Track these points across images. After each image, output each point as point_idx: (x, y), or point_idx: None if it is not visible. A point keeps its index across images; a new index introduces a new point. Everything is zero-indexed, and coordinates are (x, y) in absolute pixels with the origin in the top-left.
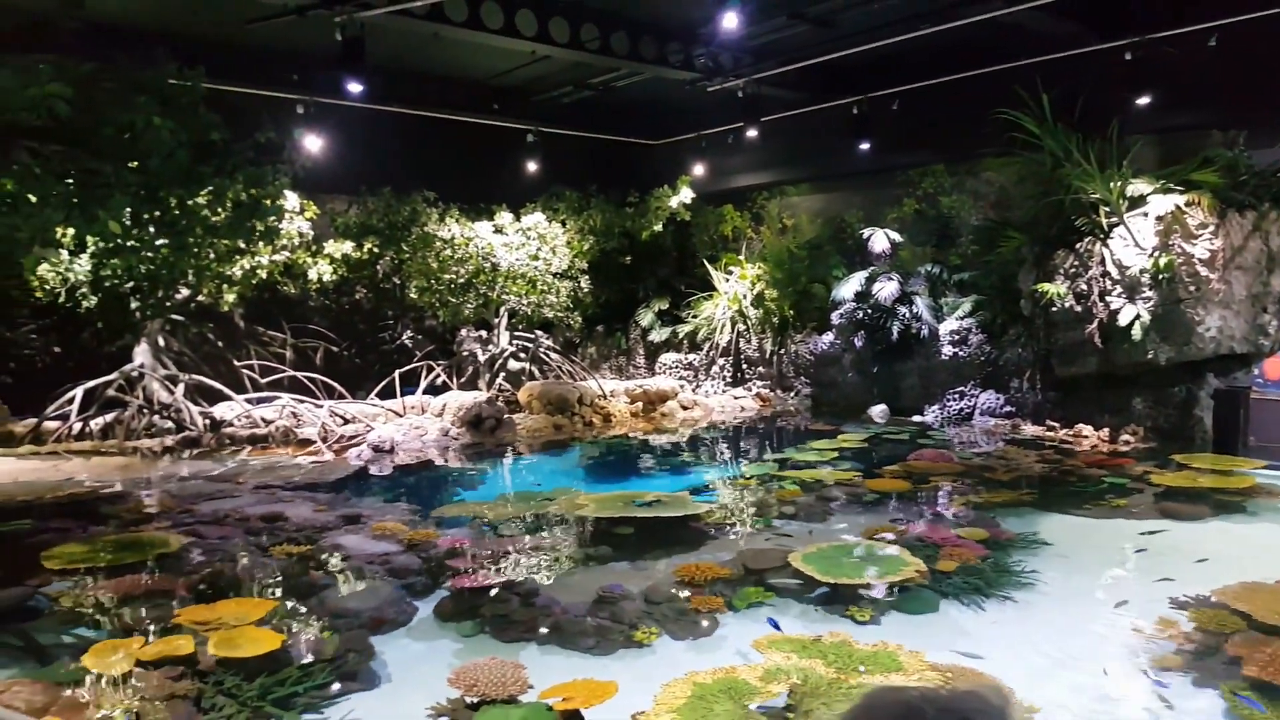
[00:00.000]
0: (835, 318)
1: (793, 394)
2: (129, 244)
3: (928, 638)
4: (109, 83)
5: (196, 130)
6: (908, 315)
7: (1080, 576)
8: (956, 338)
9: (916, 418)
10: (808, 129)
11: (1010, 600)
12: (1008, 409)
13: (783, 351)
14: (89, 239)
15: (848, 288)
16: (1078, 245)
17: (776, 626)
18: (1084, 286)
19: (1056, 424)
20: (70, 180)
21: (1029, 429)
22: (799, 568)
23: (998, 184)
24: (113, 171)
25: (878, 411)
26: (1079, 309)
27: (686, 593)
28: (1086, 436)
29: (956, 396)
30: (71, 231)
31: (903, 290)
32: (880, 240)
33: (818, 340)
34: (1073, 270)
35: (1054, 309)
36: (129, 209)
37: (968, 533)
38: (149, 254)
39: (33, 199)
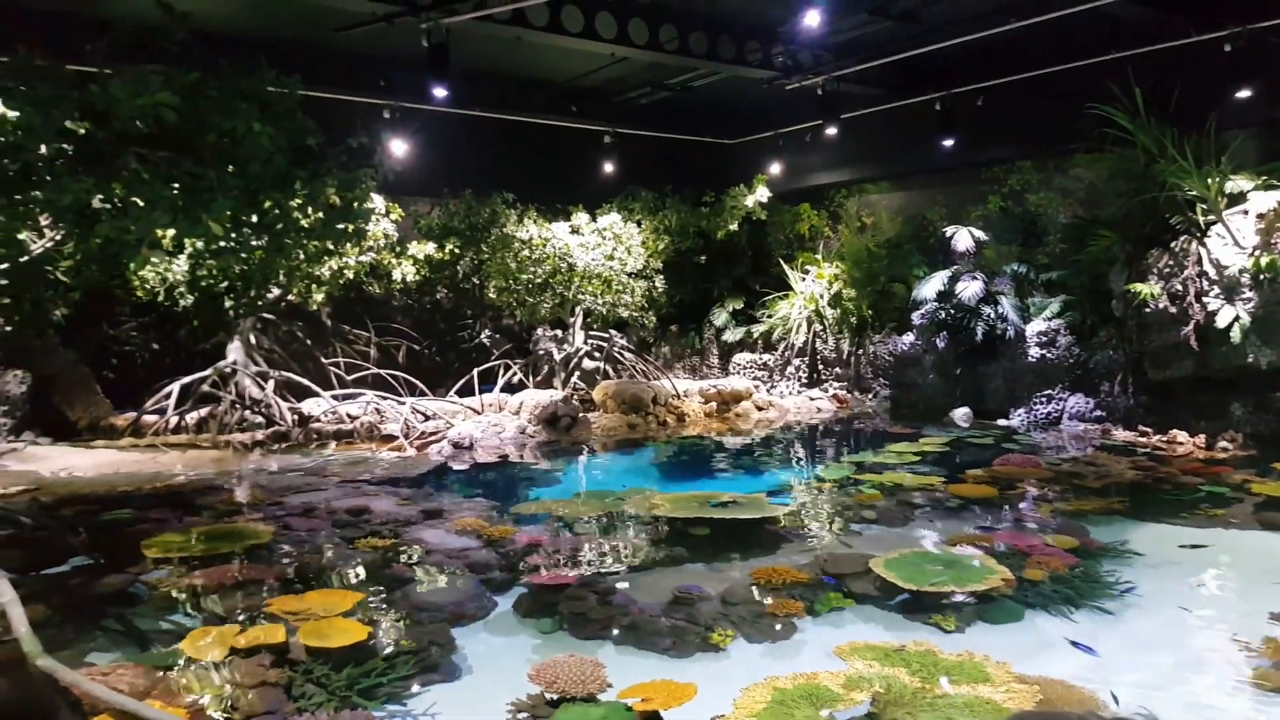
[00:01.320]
0: (916, 318)
1: (871, 395)
2: (229, 245)
3: (1015, 648)
4: (213, 90)
5: (293, 136)
6: (992, 315)
7: (1176, 588)
8: (1044, 339)
9: (1001, 421)
10: (888, 125)
11: (1102, 611)
12: (1098, 413)
13: (861, 352)
14: (187, 240)
15: (930, 287)
16: (1172, 244)
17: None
18: (1179, 287)
19: (1149, 429)
20: (175, 185)
21: (1120, 434)
22: (880, 574)
23: (1087, 180)
24: (215, 176)
25: (960, 415)
26: (1174, 310)
27: (769, 599)
28: (1181, 443)
29: (1044, 400)
30: (170, 233)
31: (987, 290)
32: (964, 238)
33: (897, 341)
34: (1167, 270)
35: (1147, 310)
36: (229, 212)
37: (1056, 541)
38: (246, 255)
39: (140, 203)
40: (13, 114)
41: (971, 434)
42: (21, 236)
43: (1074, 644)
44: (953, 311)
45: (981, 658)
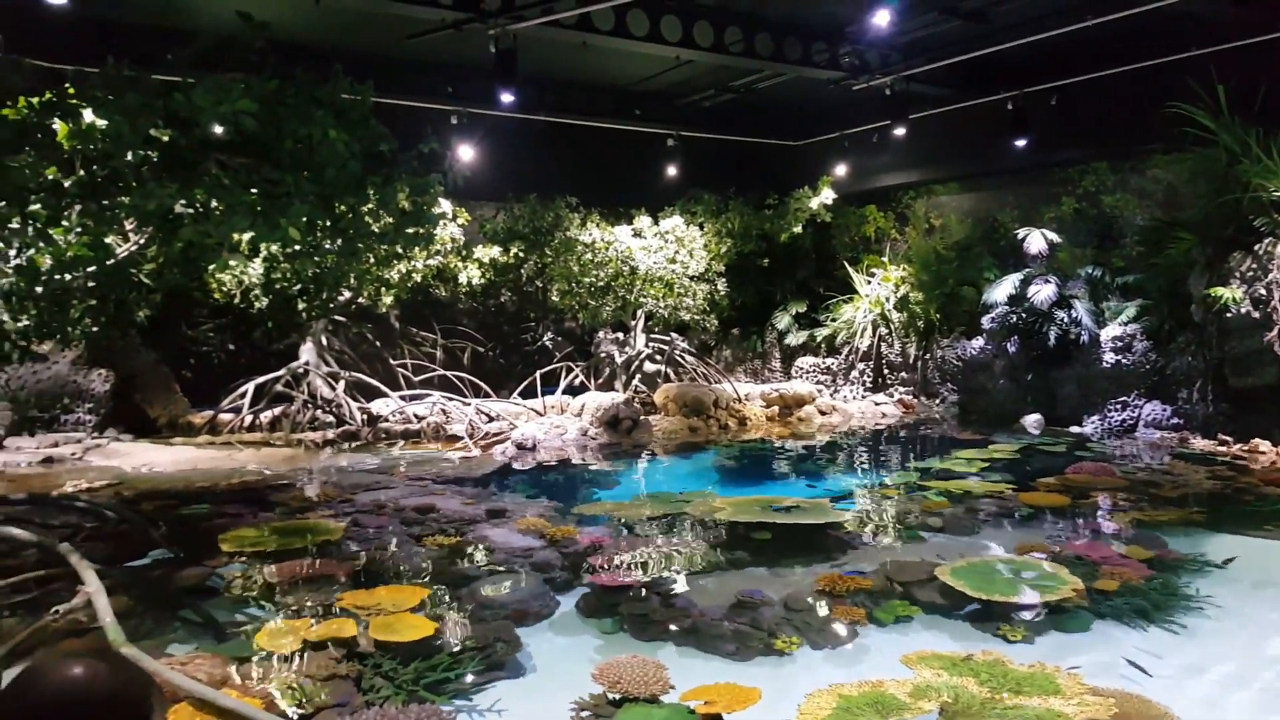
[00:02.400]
0: (986, 322)
1: (938, 401)
2: (304, 249)
3: (1086, 661)
4: (290, 98)
5: (367, 142)
6: (1066, 320)
7: (1257, 603)
8: (1119, 344)
9: (1074, 429)
10: (958, 126)
11: (1178, 625)
12: (1175, 421)
13: (928, 356)
14: (262, 244)
15: (1000, 290)
16: (1256, 247)
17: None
18: (1263, 291)
19: (1229, 438)
20: (254, 190)
21: (1198, 443)
22: (947, 582)
23: (1166, 182)
24: (292, 181)
25: (1031, 421)
26: (1257, 315)
27: (833, 605)
28: (1264, 452)
29: (1119, 407)
30: (247, 237)
31: (1060, 293)
32: (1036, 241)
33: (966, 345)
34: (1250, 274)
35: (1228, 315)
36: (305, 217)
37: (1130, 551)
38: (320, 258)
39: (221, 208)
40: (102, 123)
41: (1043, 441)
42: (108, 240)
43: (1130, 662)
44: (1024, 315)
45: (1052, 669)
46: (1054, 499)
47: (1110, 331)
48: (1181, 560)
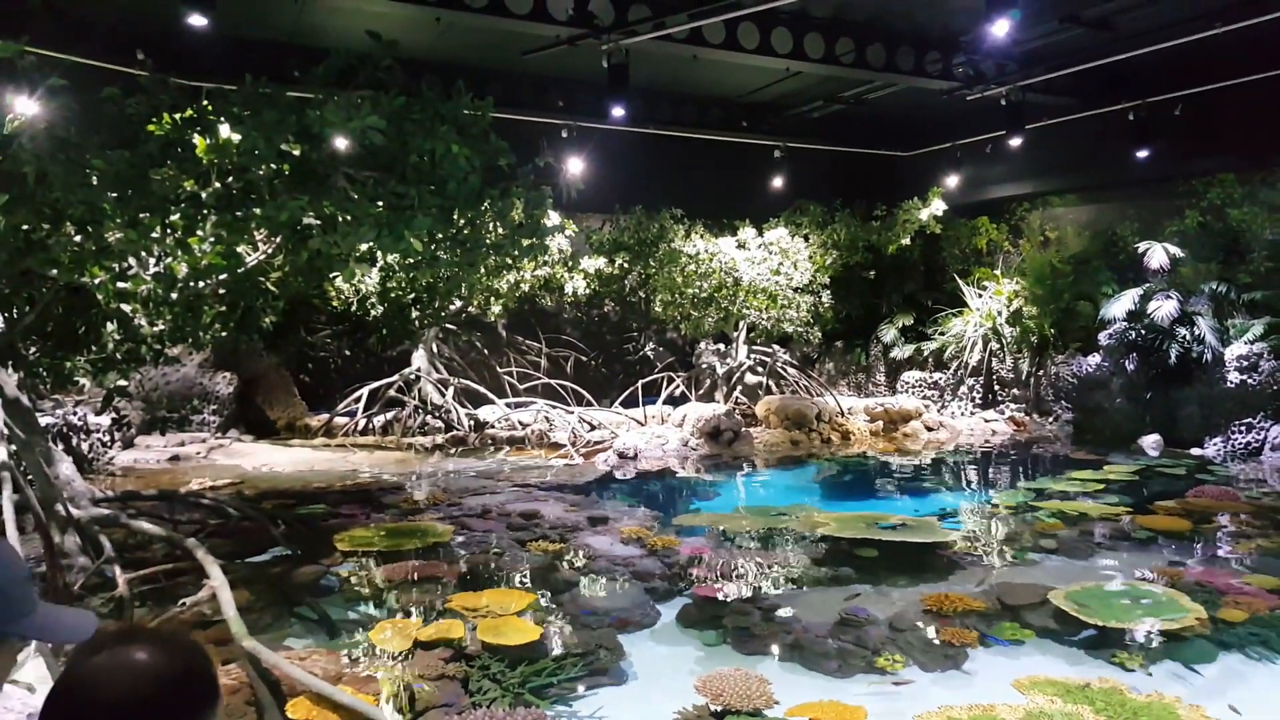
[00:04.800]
0: (1103, 338)
1: (1051, 419)
2: (424, 259)
3: (1208, 692)
4: (415, 114)
5: (487, 156)
6: (1188, 337)
7: None
8: (1245, 364)
9: (1195, 450)
10: (1076, 136)
11: None
12: None
13: (1041, 373)
14: (379, 254)
15: (1119, 306)
16: None
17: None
18: None
19: None
20: (380, 203)
21: None
22: (1061, 606)
23: None
24: (416, 194)
25: (1150, 442)
26: None
27: (941, 626)
28: None
29: (1244, 429)
30: (365, 247)
31: (1182, 310)
32: (1158, 255)
33: (1082, 361)
34: None
35: None
36: (427, 229)
37: (1256, 580)
38: (436, 269)
39: (349, 219)
40: (237, 137)
41: (1162, 463)
42: (240, 249)
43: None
44: (1144, 332)
45: (1173, 699)
46: (1174, 523)
47: (1235, 350)
48: None
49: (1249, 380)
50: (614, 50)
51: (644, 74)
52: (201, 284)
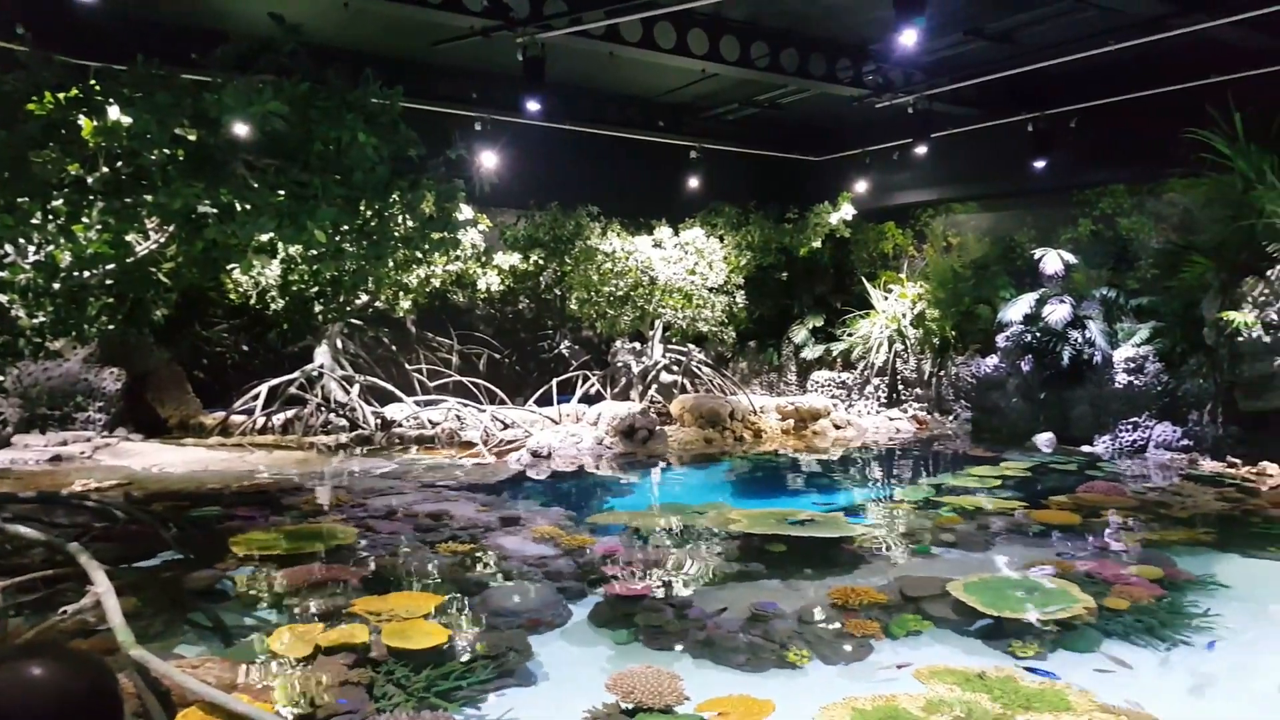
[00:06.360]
0: (1001, 340)
1: (951, 417)
2: (327, 251)
3: (1097, 678)
4: (321, 101)
5: (396, 146)
6: (1079, 340)
7: (1264, 623)
8: (1132, 365)
9: (1086, 448)
10: (978, 145)
11: (1186, 644)
12: (1185, 442)
13: (942, 373)
14: (281, 245)
15: (1016, 310)
16: (1269, 272)
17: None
18: (1275, 316)
19: (1238, 461)
20: (281, 192)
21: (1208, 465)
22: (960, 597)
23: (1182, 206)
24: (320, 184)
25: (1044, 440)
26: (1268, 340)
27: (846, 619)
28: (1271, 475)
29: (1130, 427)
30: (265, 238)
31: (1075, 314)
32: (1053, 261)
33: (981, 363)
34: (1263, 299)
35: (1240, 339)
36: (331, 220)
37: (1141, 571)
38: (342, 262)
39: (247, 208)
40: (128, 120)
41: (1054, 460)
42: (129, 238)
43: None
44: (1039, 335)
45: (1064, 686)
46: (1065, 517)
47: (1123, 353)
48: (1190, 580)
49: (1135, 381)
50: (529, 44)
51: (561, 69)
52: (87, 274)
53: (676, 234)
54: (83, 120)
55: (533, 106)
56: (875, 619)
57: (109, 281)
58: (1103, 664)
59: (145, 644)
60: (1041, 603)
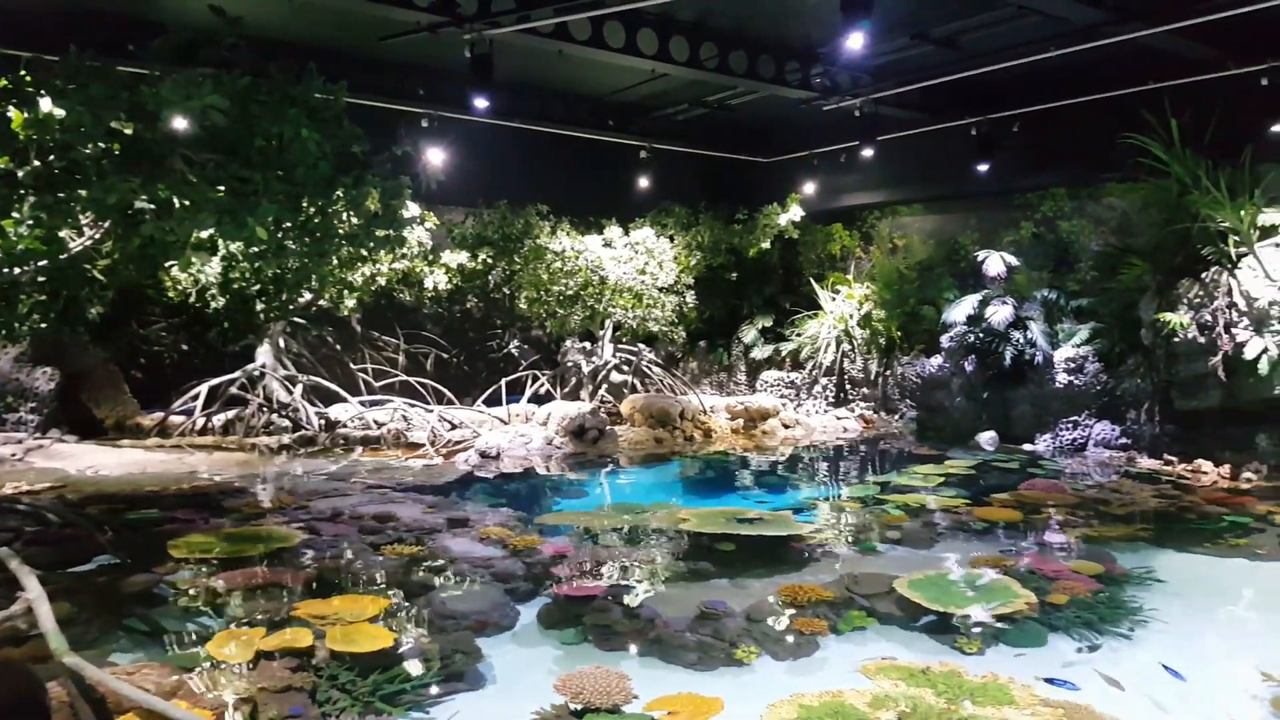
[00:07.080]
0: (945, 341)
1: (897, 417)
2: (269, 249)
3: (1038, 671)
4: (262, 95)
5: (339, 142)
6: (1021, 341)
7: (1198, 616)
8: (1072, 366)
9: (1027, 446)
10: (924, 149)
11: (1124, 637)
12: (1123, 441)
13: (888, 373)
14: (221, 242)
15: (959, 311)
16: (1203, 275)
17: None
18: (1209, 318)
19: (1174, 458)
20: (221, 188)
21: (1145, 462)
22: (905, 594)
23: (1120, 209)
24: (261, 180)
25: (986, 438)
26: (1203, 341)
27: (789, 613)
28: (1206, 473)
29: (1070, 426)
30: (206, 234)
31: (1017, 315)
32: (995, 263)
33: (925, 363)
34: (1197, 300)
35: (1176, 340)
36: (273, 216)
37: (1080, 566)
38: (284, 260)
39: (185, 204)
40: (60, 113)
41: (997, 458)
42: (62, 234)
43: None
44: (982, 335)
45: (1006, 680)
46: (1007, 514)
47: (1064, 353)
48: (1128, 575)
49: (1075, 381)
50: (477, 40)
51: (510, 67)
52: (17, 270)
53: (626, 234)
54: (13, 112)
55: (481, 104)
56: (823, 616)
57: (41, 279)
58: (1048, 661)
59: (79, 651)
60: (985, 598)
